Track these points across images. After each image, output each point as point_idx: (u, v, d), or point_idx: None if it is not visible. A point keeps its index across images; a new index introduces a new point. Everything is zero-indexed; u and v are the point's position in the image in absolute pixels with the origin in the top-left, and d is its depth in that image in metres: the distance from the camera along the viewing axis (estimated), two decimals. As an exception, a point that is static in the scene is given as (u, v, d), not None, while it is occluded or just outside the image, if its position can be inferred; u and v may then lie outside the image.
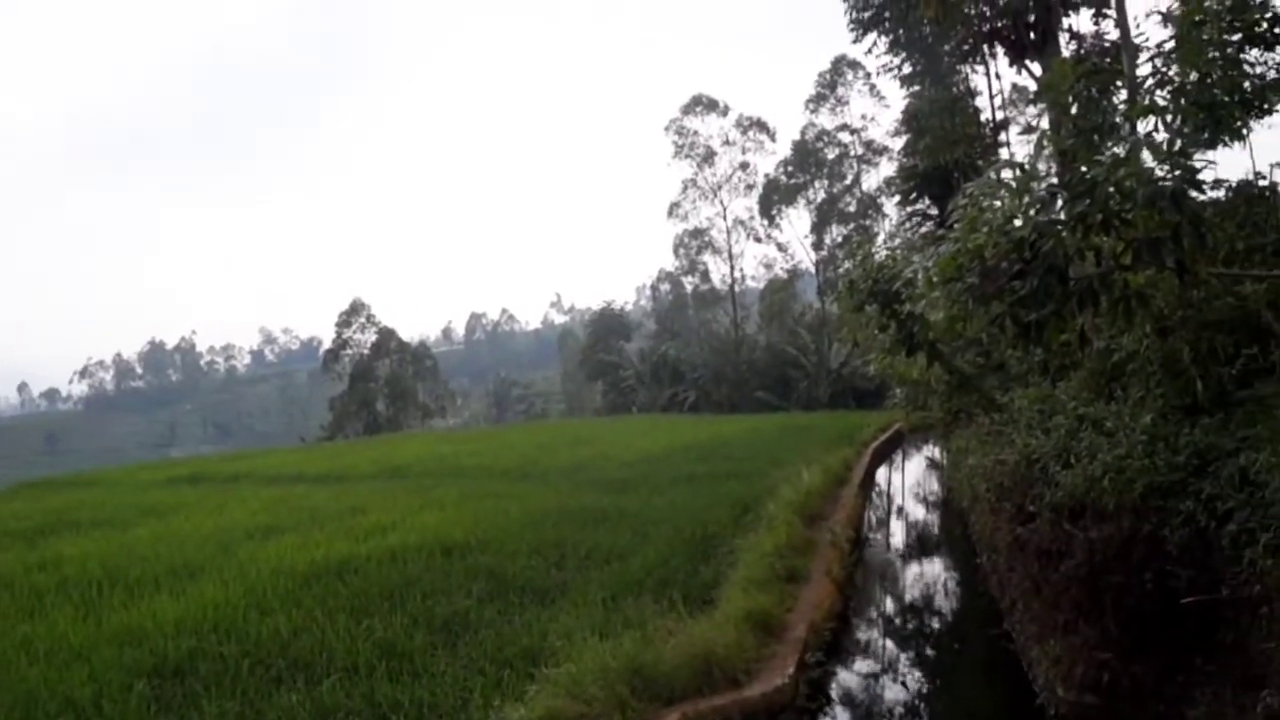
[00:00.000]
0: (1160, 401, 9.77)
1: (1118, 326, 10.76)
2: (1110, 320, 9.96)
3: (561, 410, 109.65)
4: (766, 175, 68.37)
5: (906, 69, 47.68)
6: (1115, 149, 8.55)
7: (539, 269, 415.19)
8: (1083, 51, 21.43)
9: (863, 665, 11.71)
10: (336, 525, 16.25)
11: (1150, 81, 11.60)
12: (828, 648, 11.16)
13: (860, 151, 66.36)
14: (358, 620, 10.34)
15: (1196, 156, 7.80)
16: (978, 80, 36.75)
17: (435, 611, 10.74)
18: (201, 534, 16.48)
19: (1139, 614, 8.33)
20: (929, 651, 12.68)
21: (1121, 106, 13.18)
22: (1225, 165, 9.85)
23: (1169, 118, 10.79)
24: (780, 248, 69.57)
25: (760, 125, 68.75)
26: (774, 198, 67.67)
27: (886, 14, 43.98)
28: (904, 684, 11.14)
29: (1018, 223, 7.96)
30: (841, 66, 65.05)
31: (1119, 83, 13.87)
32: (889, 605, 14.86)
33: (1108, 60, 16.48)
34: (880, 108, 65.61)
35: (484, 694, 8.47)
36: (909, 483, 28.16)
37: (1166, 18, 12.46)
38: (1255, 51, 10.82)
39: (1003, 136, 32.06)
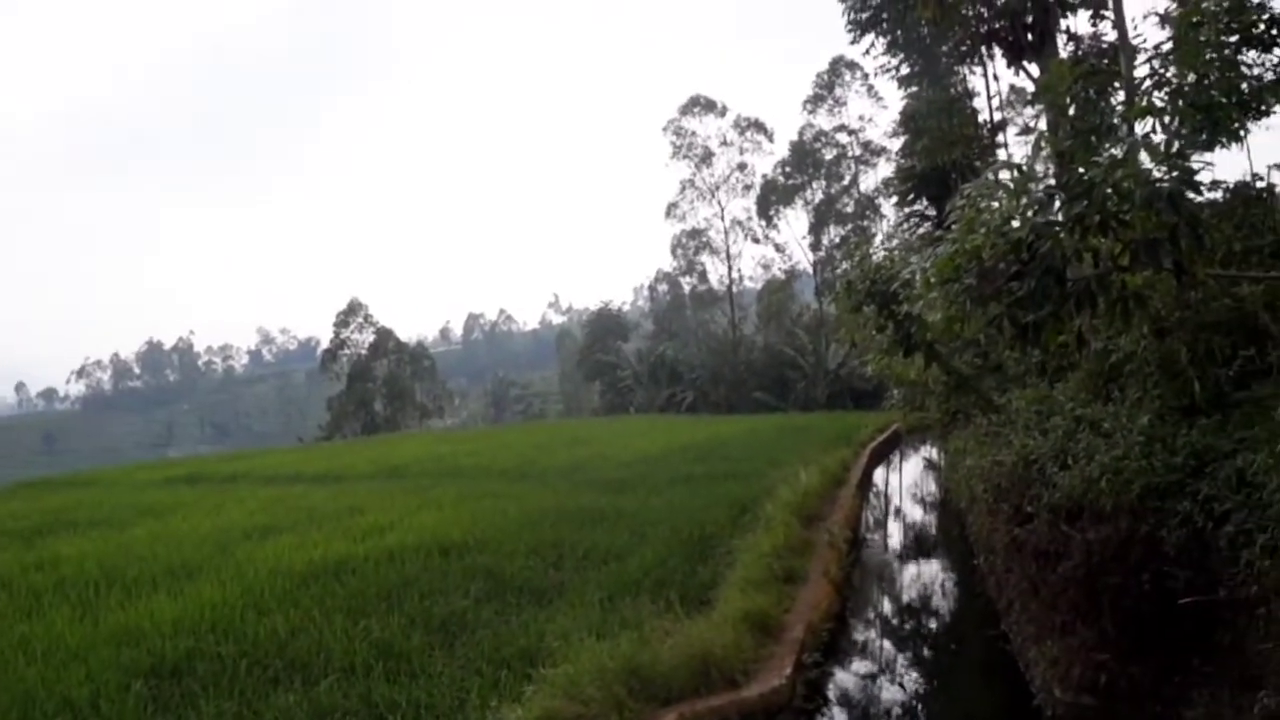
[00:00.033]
0: (1158, 403, 9.78)
1: (1115, 328, 10.77)
2: (1108, 321, 9.97)
3: (559, 410, 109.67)
4: (764, 176, 68.56)
5: (904, 70, 47.66)
6: (1113, 150, 8.57)
7: (537, 269, 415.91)
8: (1080, 53, 21.41)
9: (860, 666, 11.71)
10: (334, 525, 16.24)
11: (1148, 83, 11.63)
12: (825, 648, 11.16)
13: (858, 152, 66.44)
14: (355, 620, 10.33)
15: (1194, 158, 7.83)
16: (975, 81, 36.80)
17: (433, 612, 10.73)
18: (199, 534, 16.47)
19: (1136, 615, 8.34)
20: (926, 652, 12.68)
21: (1119, 108, 13.22)
22: (1223, 167, 9.89)
23: (1166, 119, 10.81)
24: (778, 248, 69.75)
25: (758, 126, 68.86)
26: (772, 198, 67.73)
27: (884, 15, 43.97)
28: (901, 685, 11.14)
29: (1015, 224, 7.97)
30: (839, 67, 65.15)
31: (1117, 84, 13.89)
32: (886, 606, 14.86)
33: (1105, 61, 16.49)
34: (878, 109, 65.74)
35: (481, 694, 8.47)
36: (907, 483, 28.18)
37: (1164, 19, 12.49)
38: (1253, 53, 10.85)
39: (1000, 137, 32.10)
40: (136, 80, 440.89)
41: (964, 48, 31.57)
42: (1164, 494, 8.23)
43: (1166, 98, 11.07)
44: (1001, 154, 30.26)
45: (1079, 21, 22.98)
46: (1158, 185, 7.20)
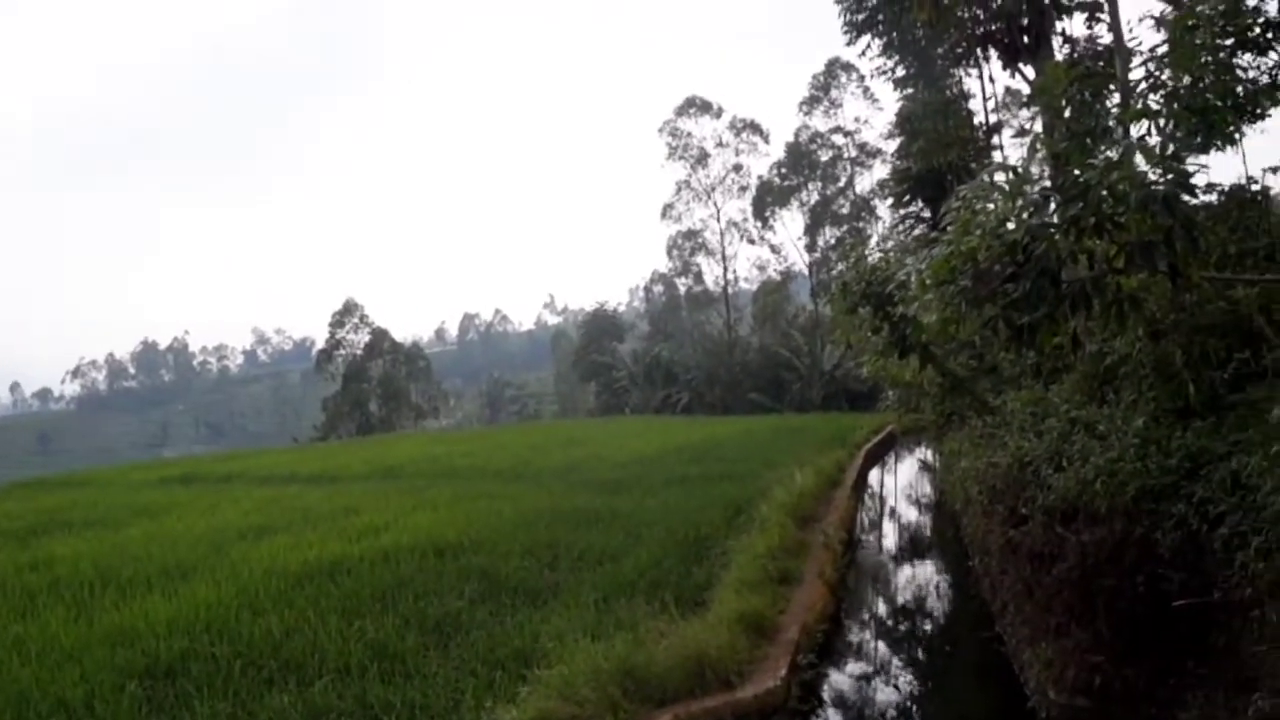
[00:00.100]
0: (1152, 405, 9.79)
1: (1110, 330, 10.79)
2: (1103, 323, 9.98)
3: (554, 411, 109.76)
4: (760, 177, 68.69)
5: (900, 72, 47.86)
6: (1108, 153, 8.59)
7: (532, 270, 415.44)
8: (1076, 55, 21.47)
9: (855, 667, 11.72)
10: (329, 526, 16.23)
11: (1143, 85, 11.65)
12: (820, 649, 11.17)
13: (853, 154, 66.63)
14: (350, 621, 10.32)
15: (1189, 160, 7.82)
16: (971, 83, 36.76)
17: (427, 612, 10.73)
18: (194, 534, 16.46)
19: (1131, 617, 8.34)
20: (921, 654, 12.68)
21: (1114, 110, 13.22)
22: (1218, 169, 9.90)
23: (1162, 122, 10.82)
24: (773, 249, 69.95)
25: (754, 127, 69.04)
26: (767, 200, 67.83)
27: (880, 17, 44.13)
28: (896, 686, 11.15)
29: (1011, 226, 7.96)
30: (835, 69, 65.30)
31: (1112, 86, 13.89)
32: (881, 607, 14.87)
33: (1101, 64, 16.52)
34: (874, 110, 66.28)
35: (476, 695, 8.47)
36: (901, 485, 28.21)
37: (1159, 22, 12.52)
38: (1248, 56, 10.86)
39: (996, 140, 32.14)
40: (136, 80, 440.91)
41: (960, 50, 31.61)
42: (1159, 496, 8.24)
43: (1162, 100, 11.09)
44: (997, 156, 30.31)
45: (1074, 24, 23.06)
46: (1153, 188, 7.20)
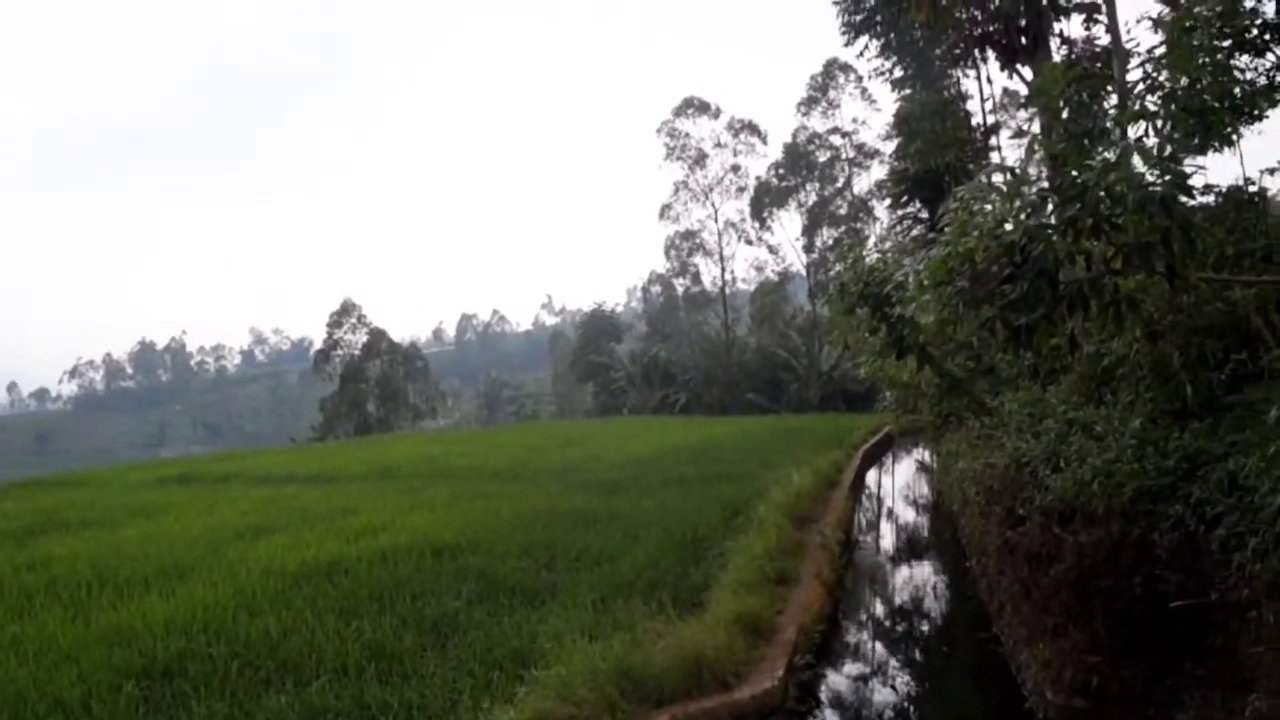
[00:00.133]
0: (1150, 406, 9.79)
1: (1108, 331, 10.77)
2: (1100, 324, 9.96)
3: (552, 412, 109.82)
4: (758, 178, 68.72)
5: (898, 72, 47.89)
6: (1106, 154, 8.61)
7: (530, 270, 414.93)
8: (1074, 56, 21.50)
9: (852, 668, 11.72)
10: (326, 526, 16.24)
11: (1141, 87, 11.65)
12: (817, 650, 11.18)
13: (851, 155, 66.66)
14: (347, 621, 10.32)
15: (1186, 162, 7.82)
16: (969, 84, 36.72)
17: (425, 613, 10.73)
18: (191, 534, 16.46)
19: (1128, 618, 8.34)
20: (918, 654, 12.69)
21: (1112, 111, 13.24)
22: (1215, 171, 9.91)
23: (1159, 123, 10.82)
24: (771, 250, 69.97)
25: (752, 128, 69.03)
26: (765, 200, 67.85)
27: (878, 17, 44.12)
28: (893, 687, 11.14)
29: (1008, 227, 7.96)
30: (833, 70, 65.33)
31: (1110, 88, 13.91)
32: (878, 608, 14.88)
33: (1099, 65, 16.55)
34: (871, 111, 65.98)
35: (473, 695, 8.48)
36: (899, 486, 28.22)
37: (1157, 23, 12.51)
38: (1245, 58, 10.86)
39: (993, 140, 32.14)
40: (136, 80, 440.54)
41: (957, 51, 31.58)
42: (1156, 497, 8.23)
43: (1159, 102, 11.09)
44: (994, 157, 30.33)
45: (1072, 25, 23.09)
46: (1150, 189, 7.20)
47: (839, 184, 67.13)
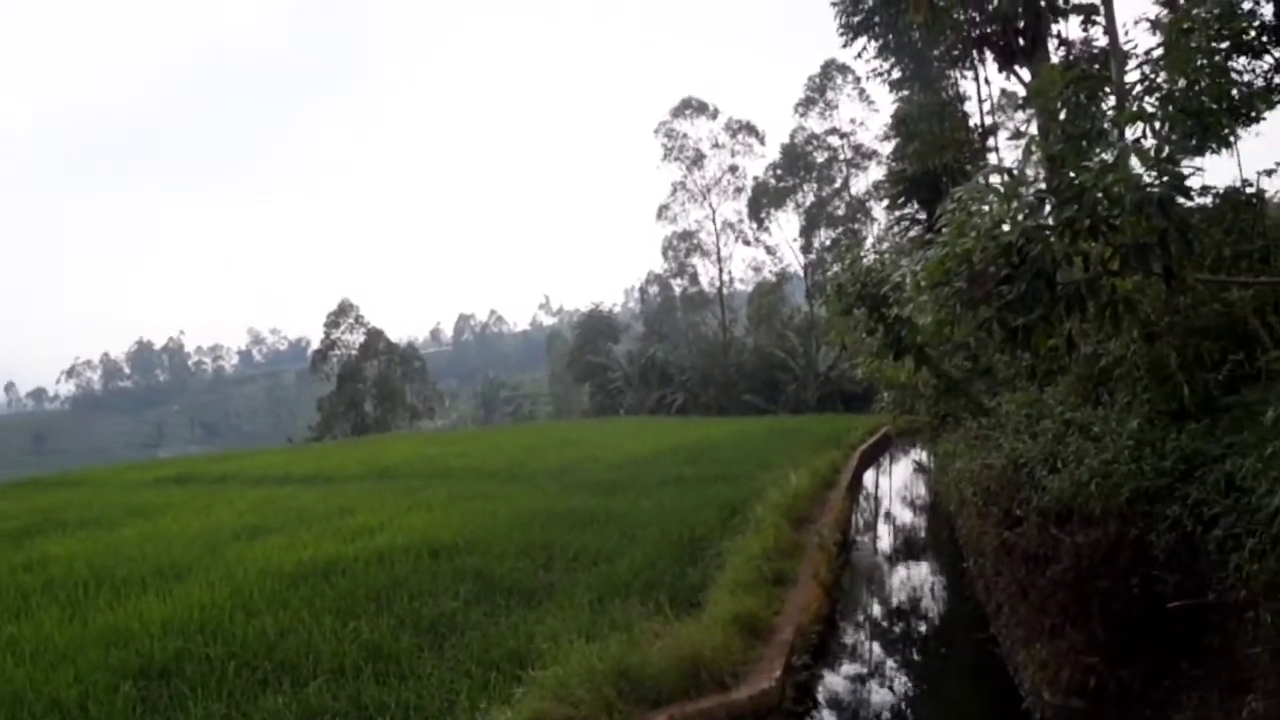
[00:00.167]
0: (1147, 407, 9.78)
1: (1105, 332, 10.77)
2: (1098, 325, 9.97)
3: (549, 412, 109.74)
4: (755, 178, 68.70)
5: (896, 73, 47.82)
6: (1103, 155, 8.57)
7: (528, 270, 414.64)
8: (1072, 58, 21.48)
9: (849, 668, 11.73)
10: (324, 526, 16.23)
11: (1139, 88, 11.65)
12: (815, 651, 11.17)
13: (849, 155, 66.65)
14: (344, 622, 10.33)
15: (1184, 163, 7.82)
16: (967, 85, 36.72)
17: (422, 613, 10.73)
18: (188, 534, 16.45)
19: (1125, 618, 8.34)
20: (915, 655, 12.70)
21: (1110, 113, 13.23)
22: (1213, 172, 9.91)
23: (1157, 124, 10.82)
24: (769, 251, 69.91)
25: (749, 128, 69.04)
26: (763, 201, 67.85)
27: (876, 18, 44.07)
28: (890, 687, 11.15)
29: (1006, 227, 7.96)
30: (831, 70, 65.32)
31: (1107, 89, 13.91)
32: (876, 609, 14.89)
33: (1096, 67, 16.55)
34: (869, 112, 65.89)
35: (470, 696, 8.48)
36: (896, 486, 28.23)
37: (1155, 25, 12.53)
38: (1243, 59, 10.86)
39: (991, 142, 32.12)
40: (136, 80, 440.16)
41: (955, 52, 31.61)
42: (1153, 498, 8.23)
43: (1157, 103, 11.09)
44: (992, 158, 30.31)
45: (1070, 27, 23.05)
46: (1148, 190, 7.20)
47: (837, 185, 67.14)
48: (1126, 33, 13.27)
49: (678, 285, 75.05)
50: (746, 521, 15.15)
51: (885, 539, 20.65)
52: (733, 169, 69.03)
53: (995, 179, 8.83)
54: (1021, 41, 23.04)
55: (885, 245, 40.13)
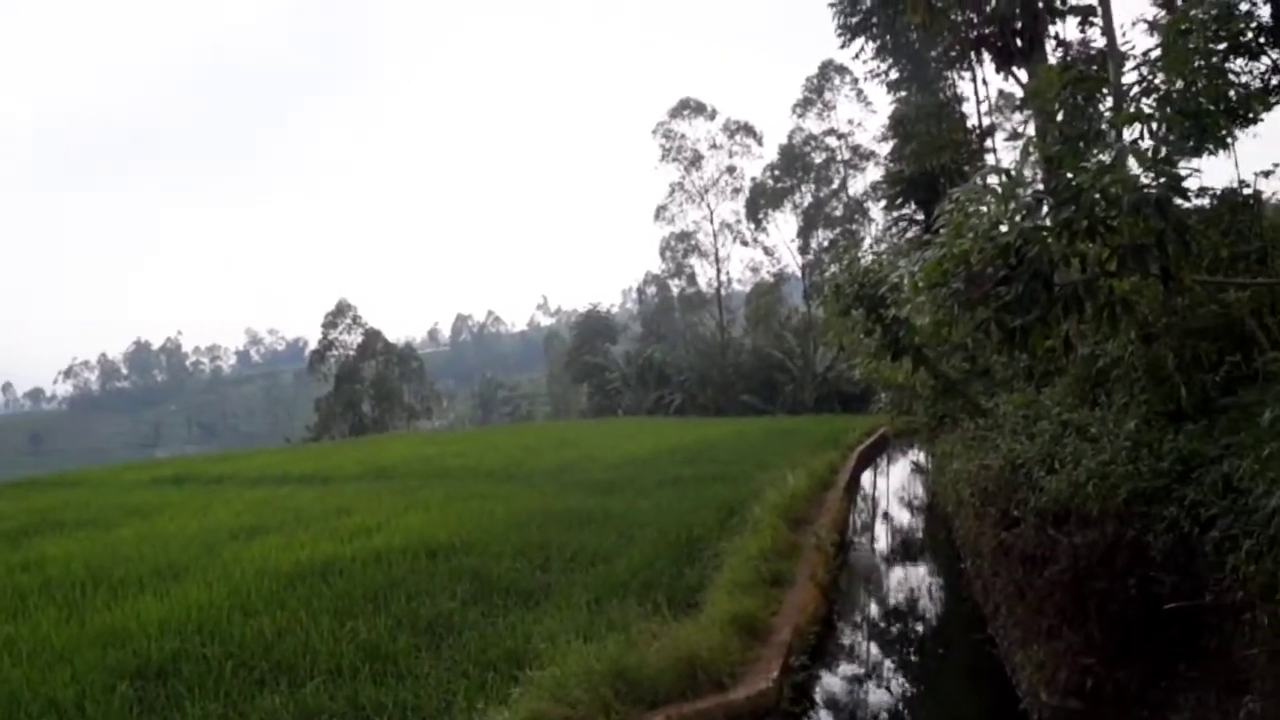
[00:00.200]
0: (1144, 408, 9.79)
1: (1102, 333, 10.77)
2: (1095, 326, 9.97)
3: (547, 412, 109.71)
4: (753, 179, 68.71)
5: (894, 74, 47.79)
6: (1101, 156, 8.57)
7: (525, 271, 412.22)
8: (1069, 59, 21.46)
9: (847, 669, 11.74)
10: (321, 526, 16.22)
11: (1136, 89, 11.64)
12: (812, 651, 11.18)
13: (847, 156, 66.68)
14: (342, 622, 10.32)
15: (1181, 164, 7.83)
16: (964, 86, 36.80)
17: (419, 613, 10.73)
18: (186, 535, 16.44)
19: (1123, 619, 8.35)
20: (913, 656, 12.71)
21: (1107, 114, 13.22)
22: (1210, 174, 9.91)
23: (1154, 125, 10.82)
24: (767, 251, 69.89)
25: (747, 129, 69.02)
26: (761, 201, 67.83)
27: (874, 19, 44.07)
28: (888, 688, 11.16)
29: (1003, 228, 7.97)
30: (829, 71, 65.33)
31: (1105, 90, 13.91)
32: (873, 609, 14.89)
33: (1094, 68, 16.53)
34: (867, 113, 65.89)
35: (467, 696, 8.48)
36: (894, 487, 28.24)
37: (1153, 26, 12.52)
38: (1240, 61, 10.88)
39: (989, 143, 32.11)
40: (136, 80, 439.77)
41: (953, 53, 31.64)
42: (1150, 499, 8.24)
43: (1154, 104, 11.10)
44: (990, 159, 30.29)
45: (1068, 28, 23.05)
46: (1145, 191, 7.21)
47: (834, 185, 67.14)
48: (1124, 34, 13.24)
49: (675, 286, 75.09)
50: (744, 522, 15.15)
51: (883, 540, 20.65)
52: (730, 170, 69.07)
53: (993, 180, 8.85)
54: (1019, 42, 23.05)
55: (883, 246, 40.01)
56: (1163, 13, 12.23)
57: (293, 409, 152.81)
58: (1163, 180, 7.32)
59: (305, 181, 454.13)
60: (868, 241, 57.23)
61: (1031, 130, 20.19)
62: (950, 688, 11.33)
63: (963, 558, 14.79)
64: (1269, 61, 10.82)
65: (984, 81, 29.26)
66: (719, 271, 71.01)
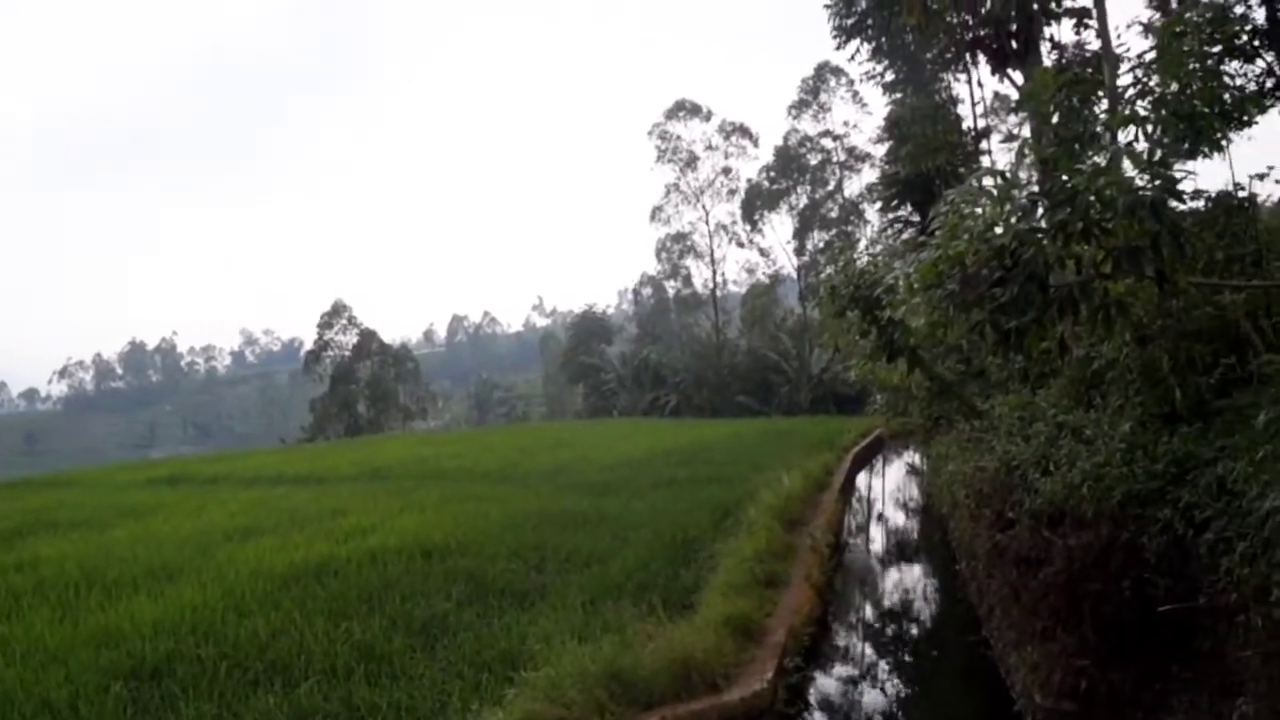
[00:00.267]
0: (1139, 410, 9.80)
1: (1097, 335, 10.80)
2: (1090, 328, 9.99)
3: (542, 413, 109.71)
4: (749, 180, 68.76)
5: (889, 76, 47.89)
6: (1096, 158, 8.60)
7: (521, 271, 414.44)
8: (1064, 61, 21.47)
9: (841, 671, 11.73)
10: (316, 527, 16.20)
11: (1131, 92, 11.68)
12: (807, 653, 11.18)
13: (843, 158, 66.65)
14: (336, 622, 10.30)
15: (1176, 167, 7.84)
16: (960, 88, 36.97)
17: (414, 614, 10.71)
18: (180, 535, 16.42)
19: (1117, 621, 8.35)
20: (907, 657, 12.70)
21: (1102, 116, 13.25)
22: (1205, 176, 9.92)
23: (1149, 128, 10.85)
24: (762, 253, 69.93)
25: (743, 131, 69.04)
26: (756, 203, 67.86)
27: (870, 21, 44.17)
28: (882, 690, 11.16)
29: (999, 230, 7.99)
30: (824, 73, 65.36)
31: (1100, 93, 13.93)
32: (868, 611, 14.88)
33: (1089, 70, 16.54)
34: (863, 114, 66.13)
35: (462, 697, 8.47)
36: (889, 488, 28.23)
37: (1147, 29, 12.58)
38: (1235, 63, 10.91)
39: (984, 144, 32.10)
40: (136, 80, 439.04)
41: (948, 55, 31.71)
42: (1145, 501, 8.25)
43: (1149, 107, 11.12)
44: (985, 161, 30.29)
45: (1063, 30, 23.07)
46: (1140, 193, 7.22)
47: (830, 187, 67.16)
48: (1119, 36, 13.27)
49: (671, 287, 75.11)
50: (739, 523, 15.15)
51: (878, 541, 20.64)
52: (726, 171, 69.11)
53: (988, 182, 8.86)
54: (1014, 45, 23.04)
55: (878, 248, 40.15)
56: (1157, 15, 12.26)
57: (288, 409, 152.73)
58: (1158, 183, 7.34)
59: (302, 181, 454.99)
60: (863, 243, 57.49)
61: (1027, 132, 20.19)
62: (945, 689, 11.33)
63: (958, 559, 14.80)
64: (1263, 64, 10.84)
65: (979, 84, 29.41)
66: (714, 273, 71.17)
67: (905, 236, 34.30)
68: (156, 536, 16.49)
